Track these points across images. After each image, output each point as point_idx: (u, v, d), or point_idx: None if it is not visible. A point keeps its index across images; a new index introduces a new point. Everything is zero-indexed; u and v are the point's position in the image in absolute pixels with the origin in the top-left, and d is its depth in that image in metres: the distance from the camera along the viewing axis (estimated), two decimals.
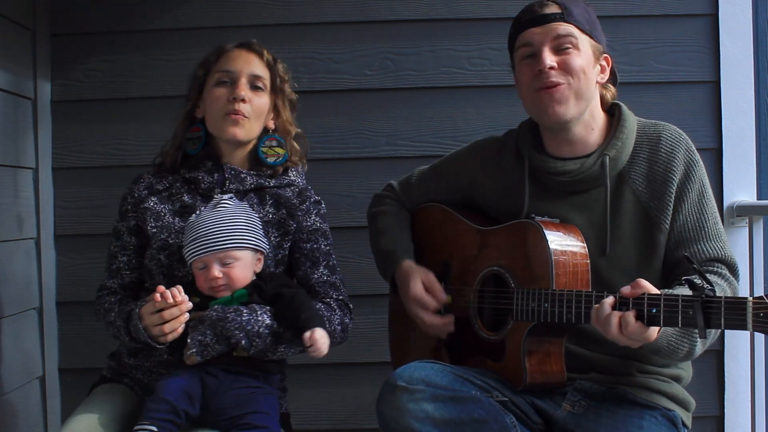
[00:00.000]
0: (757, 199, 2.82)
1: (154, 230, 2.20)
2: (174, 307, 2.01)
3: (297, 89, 2.28)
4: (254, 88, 2.25)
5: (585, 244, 2.05)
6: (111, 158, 2.84)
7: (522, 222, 2.11)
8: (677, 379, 2.15)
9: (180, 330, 2.02)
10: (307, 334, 2.03)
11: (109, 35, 2.84)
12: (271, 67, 2.29)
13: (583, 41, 2.09)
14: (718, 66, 2.82)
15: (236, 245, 2.09)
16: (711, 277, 1.97)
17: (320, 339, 2.04)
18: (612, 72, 2.18)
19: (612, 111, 2.18)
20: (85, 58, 2.83)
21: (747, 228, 2.76)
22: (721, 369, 2.80)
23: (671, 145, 2.10)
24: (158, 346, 2.06)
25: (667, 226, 2.07)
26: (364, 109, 2.86)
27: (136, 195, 2.26)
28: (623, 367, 2.11)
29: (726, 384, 2.80)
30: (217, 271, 2.07)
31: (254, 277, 2.14)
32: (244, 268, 2.10)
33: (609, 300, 1.85)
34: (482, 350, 2.15)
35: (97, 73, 2.83)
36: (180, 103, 2.35)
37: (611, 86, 2.20)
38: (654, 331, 1.83)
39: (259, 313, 2.08)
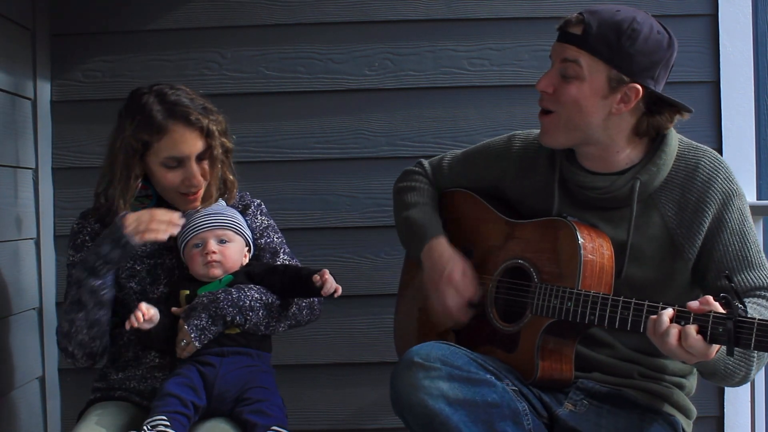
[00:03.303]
0: (757, 199, 2.82)
1: None
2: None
3: (297, 89, 2.25)
4: (201, 160, 2.21)
5: (612, 252, 2.04)
6: None
7: (555, 219, 2.10)
8: (680, 386, 2.14)
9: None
10: (317, 275, 2.12)
11: (109, 35, 2.84)
12: (211, 135, 2.21)
13: (594, 70, 1.98)
14: (717, 66, 2.81)
15: (233, 228, 2.21)
16: (761, 302, 1.97)
17: (330, 276, 2.12)
18: (656, 100, 2.02)
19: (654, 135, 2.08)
20: (85, 58, 2.83)
21: None
22: None
23: (708, 175, 2.03)
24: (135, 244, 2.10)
25: (691, 256, 2.04)
26: (364, 109, 2.85)
27: (89, 229, 2.25)
28: (626, 370, 2.11)
29: None
30: (214, 246, 2.16)
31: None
32: (236, 251, 2.20)
33: (668, 312, 1.81)
34: (493, 340, 2.14)
35: (97, 73, 2.83)
36: None
37: (660, 115, 2.03)
38: (714, 349, 1.80)
39: (246, 288, 2.16)
